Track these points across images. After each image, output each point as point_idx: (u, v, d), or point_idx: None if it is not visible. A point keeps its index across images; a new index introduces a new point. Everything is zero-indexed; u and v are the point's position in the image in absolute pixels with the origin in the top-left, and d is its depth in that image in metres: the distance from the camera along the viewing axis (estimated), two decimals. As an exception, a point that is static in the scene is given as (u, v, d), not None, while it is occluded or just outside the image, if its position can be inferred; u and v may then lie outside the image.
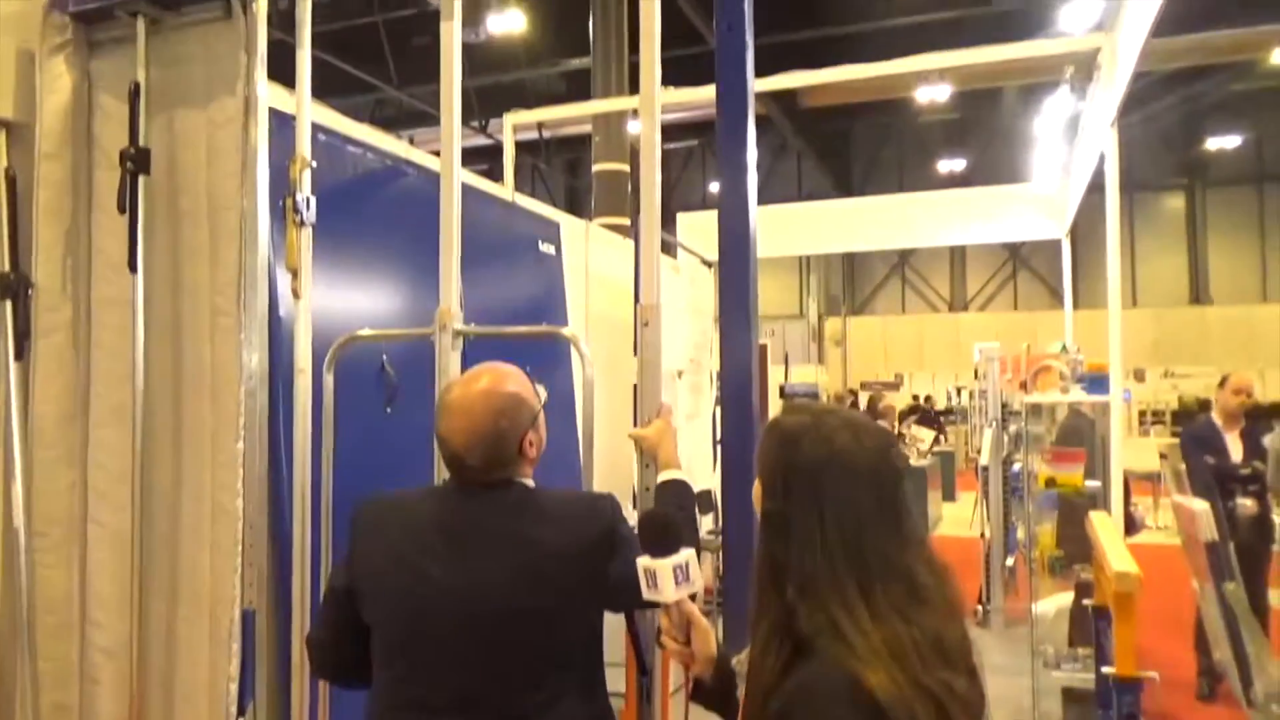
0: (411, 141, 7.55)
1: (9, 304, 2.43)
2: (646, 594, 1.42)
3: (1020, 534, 6.08)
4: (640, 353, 2.07)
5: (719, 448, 2.33)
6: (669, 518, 1.51)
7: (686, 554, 1.42)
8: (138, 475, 2.51)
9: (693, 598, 1.44)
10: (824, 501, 1.21)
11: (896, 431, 7.22)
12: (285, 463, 2.70)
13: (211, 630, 2.48)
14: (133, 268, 2.51)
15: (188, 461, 2.57)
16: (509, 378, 1.78)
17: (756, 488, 1.33)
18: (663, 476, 2.01)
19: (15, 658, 2.43)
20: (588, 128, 12.88)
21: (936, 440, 14.32)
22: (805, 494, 1.22)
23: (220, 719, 2.35)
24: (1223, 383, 5.26)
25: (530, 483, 1.77)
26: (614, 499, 1.78)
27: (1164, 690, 4.53)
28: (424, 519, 1.72)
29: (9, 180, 2.46)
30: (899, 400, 21.79)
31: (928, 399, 22.76)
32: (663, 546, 1.41)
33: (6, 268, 2.44)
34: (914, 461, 11.28)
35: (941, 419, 17.90)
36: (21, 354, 2.45)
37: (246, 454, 2.42)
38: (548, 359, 5.33)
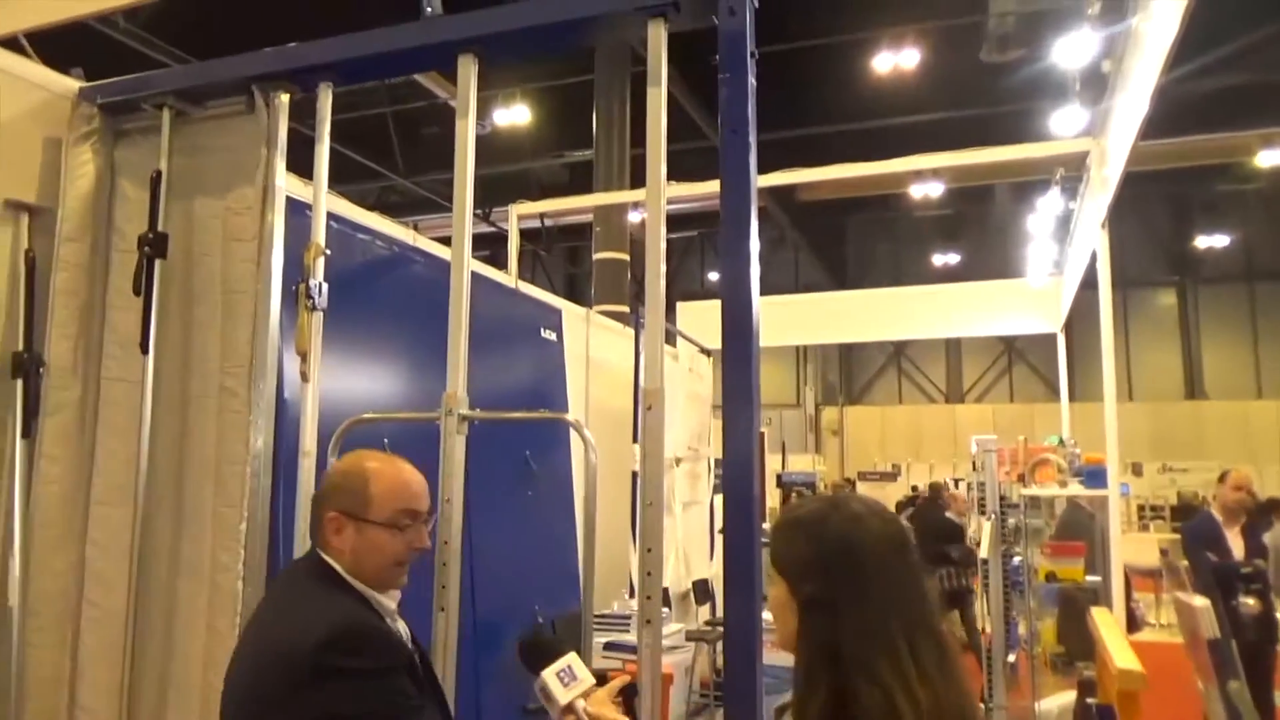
0: (416, 228, 7.71)
1: (20, 383, 2.46)
2: (547, 705, 1.54)
3: (1021, 629, 6.00)
4: (643, 437, 2.08)
5: (721, 534, 2.33)
6: (537, 633, 1.62)
7: (567, 658, 1.57)
8: (135, 555, 2.50)
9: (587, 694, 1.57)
10: (865, 573, 1.25)
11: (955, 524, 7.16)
12: (284, 544, 2.70)
13: (203, 718, 2.44)
14: (144, 348, 2.55)
15: (187, 541, 2.57)
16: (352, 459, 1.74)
17: (779, 586, 1.34)
18: None
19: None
20: (589, 216, 13.16)
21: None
22: (844, 570, 1.26)
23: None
24: (1222, 478, 5.27)
25: (341, 572, 1.62)
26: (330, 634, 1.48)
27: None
28: None
29: (29, 262, 2.52)
30: (896, 491, 21.67)
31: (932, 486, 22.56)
32: (544, 660, 1.56)
33: (20, 347, 2.48)
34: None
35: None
36: (29, 432, 2.47)
37: (249, 535, 2.42)
38: (547, 444, 5.34)
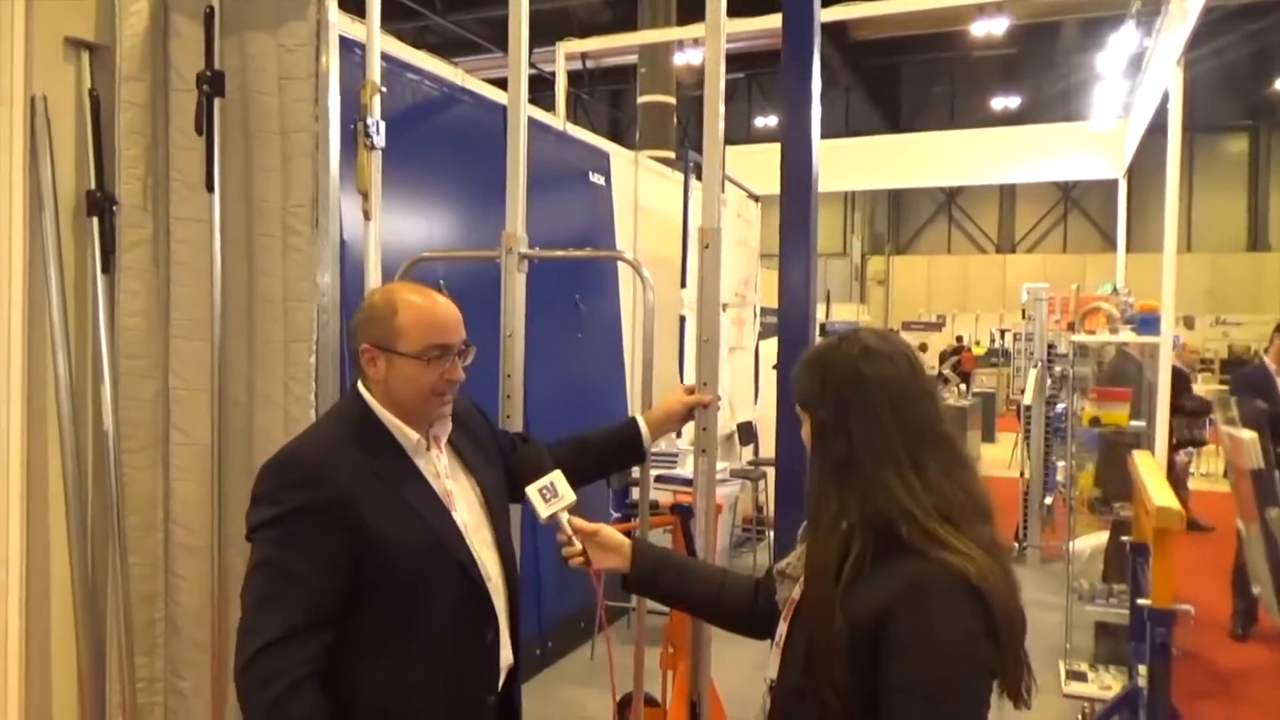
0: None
1: (95, 220, 2.54)
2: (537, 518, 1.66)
3: (1060, 474, 6.12)
4: (700, 275, 2.12)
5: (774, 369, 2.40)
6: (535, 448, 1.71)
7: (550, 476, 1.65)
8: (215, 386, 2.64)
9: (575, 511, 1.67)
10: (871, 395, 1.33)
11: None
12: (350, 377, 2.83)
13: (286, 534, 2.64)
14: (209, 188, 2.60)
15: (260, 374, 2.70)
16: (383, 292, 1.72)
17: (806, 423, 1.43)
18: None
19: (107, 550, 2.60)
20: (632, 58, 12.73)
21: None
22: (852, 393, 1.34)
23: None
24: (1279, 328, 5.21)
25: (369, 399, 1.66)
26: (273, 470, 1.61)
27: (1197, 628, 4.60)
28: None
29: (93, 101, 2.55)
30: (940, 341, 21.62)
31: (978, 341, 22.50)
32: (532, 475, 1.66)
33: (93, 185, 2.55)
34: (953, 401, 11.29)
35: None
36: (108, 268, 2.57)
37: (320, 369, 2.54)
38: (595, 289, 5.42)
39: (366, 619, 1.55)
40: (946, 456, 1.34)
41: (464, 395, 1.79)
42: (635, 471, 5.02)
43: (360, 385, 1.68)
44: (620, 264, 5.56)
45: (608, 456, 2.15)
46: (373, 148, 2.57)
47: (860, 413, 1.33)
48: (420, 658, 1.58)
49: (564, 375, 4.81)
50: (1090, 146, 7.93)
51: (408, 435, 1.65)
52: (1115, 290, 6.20)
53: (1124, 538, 4.16)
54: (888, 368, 1.35)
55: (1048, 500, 6.81)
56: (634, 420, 2.12)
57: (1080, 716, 4.05)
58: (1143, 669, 3.63)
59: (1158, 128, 5.39)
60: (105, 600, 2.60)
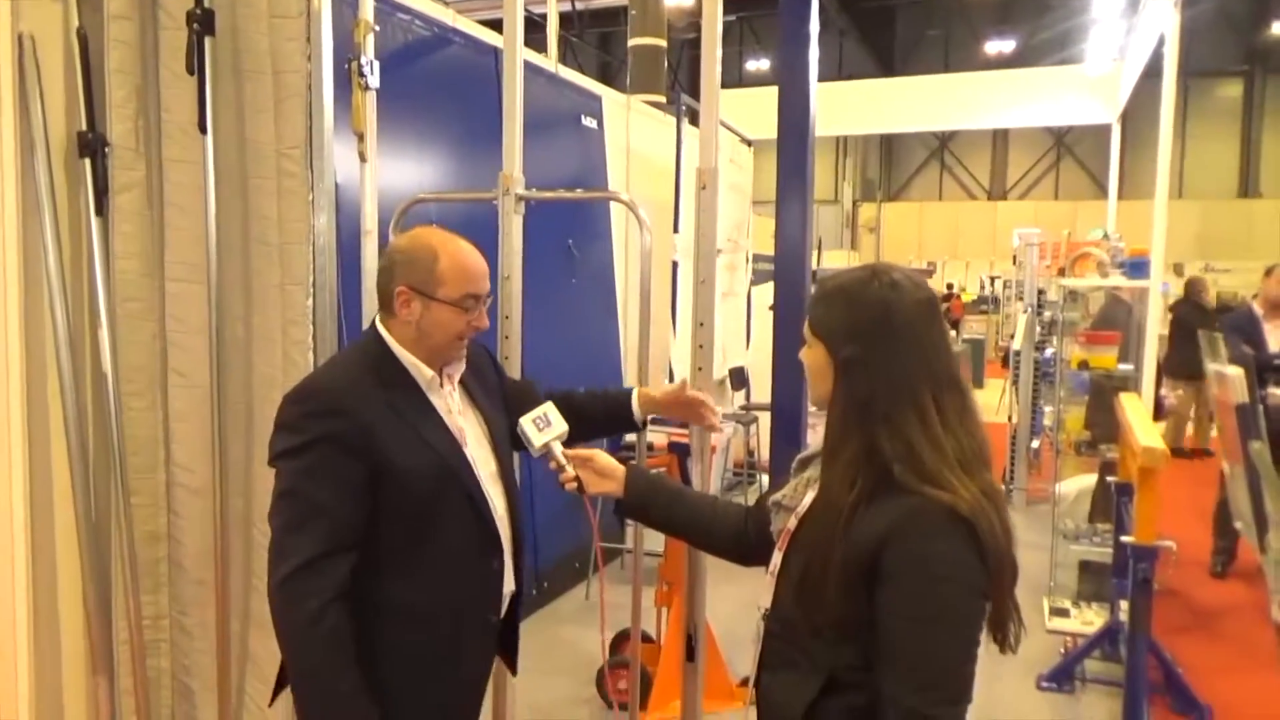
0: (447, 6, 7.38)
1: (88, 162, 2.53)
2: (530, 450, 1.73)
3: (1047, 418, 6.20)
4: (697, 216, 2.13)
5: (771, 309, 2.42)
6: (526, 382, 1.75)
7: (543, 407, 1.73)
8: (213, 329, 2.65)
9: (567, 443, 1.74)
10: (898, 335, 1.34)
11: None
12: (348, 320, 2.84)
13: (287, 474, 2.67)
14: (203, 129, 2.58)
15: (258, 317, 2.71)
16: (420, 235, 1.75)
17: (818, 349, 1.43)
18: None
19: (109, 491, 2.63)
20: (623, 0, 12.52)
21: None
22: (880, 332, 1.35)
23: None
24: (1269, 272, 5.25)
25: (386, 336, 1.71)
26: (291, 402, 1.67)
27: (1178, 567, 4.72)
28: None
29: (81, 40, 2.51)
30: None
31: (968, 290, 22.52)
32: (524, 408, 1.74)
33: (84, 126, 2.52)
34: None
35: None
36: (102, 210, 2.56)
37: (317, 311, 2.54)
38: (588, 234, 5.40)
39: (384, 542, 1.63)
40: (960, 402, 1.36)
41: (477, 341, 1.86)
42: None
43: (379, 322, 1.74)
44: (614, 210, 5.53)
45: (594, 420, 2.10)
46: (367, 88, 2.55)
47: (888, 352, 1.34)
48: (432, 579, 1.67)
49: (557, 321, 4.82)
50: (1085, 91, 7.88)
51: (422, 372, 1.72)
52: (1106, 236, 6.22)
53: (1110, 478, 4.24)
54: (917, 310, 1.36)
55: (1034, 444, 6.91)
56: (628, 390, 2.10)
57: (1062, 650, 4.17)
58: (1125, 604, 3.73)
59: (1153, 72, 5.36)
60: (109, 540, 2.63)
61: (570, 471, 1.71)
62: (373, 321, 1.76)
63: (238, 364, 2.70)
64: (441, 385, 1.75)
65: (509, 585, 1.82)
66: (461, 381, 1.82)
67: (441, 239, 1.72)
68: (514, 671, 2.07)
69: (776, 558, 1.50)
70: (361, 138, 2.59)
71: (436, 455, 1.66)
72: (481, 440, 1.79)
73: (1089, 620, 4.54)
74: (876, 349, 1.34)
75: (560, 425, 1.70)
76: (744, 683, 3.59)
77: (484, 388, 1.87)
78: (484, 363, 1.94)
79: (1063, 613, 4.66)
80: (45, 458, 2.55)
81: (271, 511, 1.61)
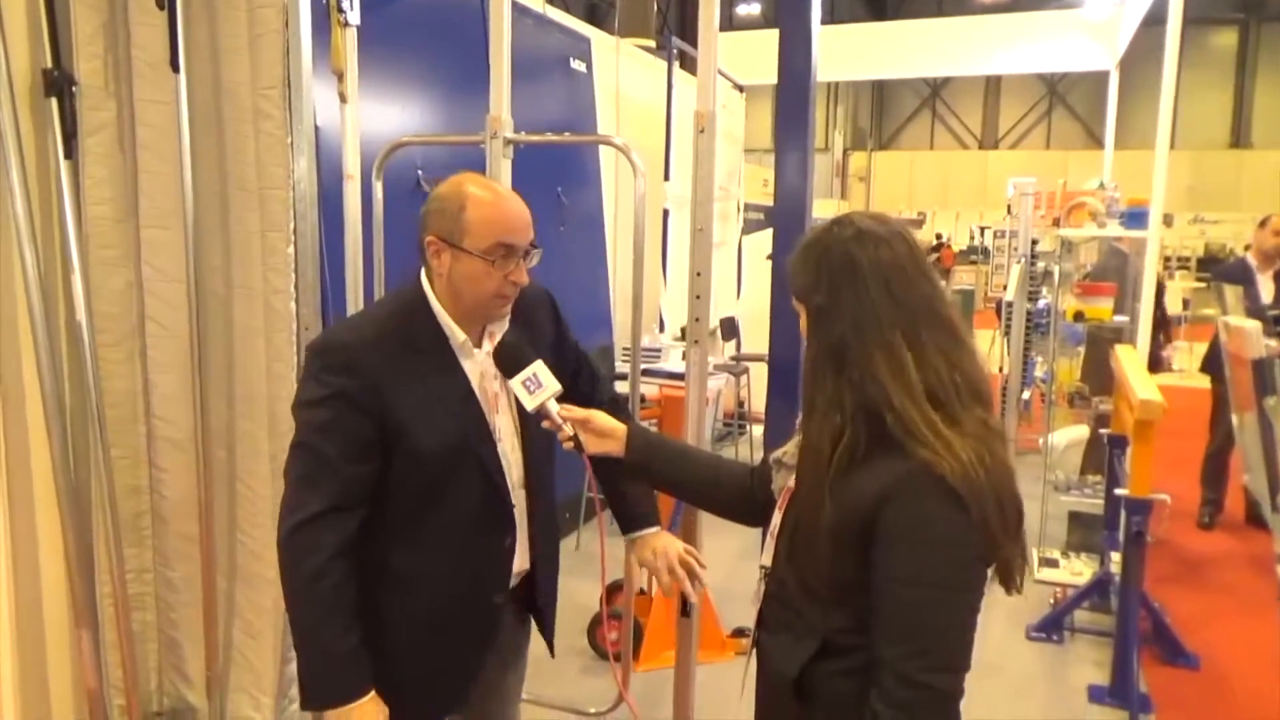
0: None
1: (55, 102, 2.41)
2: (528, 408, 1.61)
3: (1039, 369, 6.17)
4: (695, 160, 2.05)
5: (768, 259, 2.35)
6: (512, 344, 1.62)
7: (533, 367, 1.60)
8: (191, 277, 2.56)
9: (562, 400, 1.63)
10: (863, 277, 1.29)
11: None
12: (330, 268, 2.76)
13: (270, 427, 2.61)
14: (175, 67, 2.47)
15: (237, 264, 2.62)
16: (455, 181, 1.64)
17: (799, 308, 1.39)
18: None
19: (88, 443, 2.56)
20: (613, -61, 12.18)
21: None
22: (844, 277, 1.31)
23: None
24: (1263, 223, 5.20)
25: (427, 291, 1.63)
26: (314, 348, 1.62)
27: (1170, 519, 4.73)
28: None
29: (43, -29, 2.39)
30: (920, 238, 21.54)
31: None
32: (514, 369, 1.60)
33: (49, 64, 2.40)
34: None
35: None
36: (70, 153, 2.45)
37: (299, 258, 2.46)
38: (577, 181, 5.29)
39: (392, 504, 1.58)
40: (943, 337, 1.30)
41: (542, 288, 1.78)
42: (621, 365, 5.02)
43: (423, 275, 1.64)
44: (604, 156, 5.41)
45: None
46: (347, 24, 2.43)
47: (853, 296, 1.30)
48: (435, 551, 1.61)
49: (546, 269, 4.72)
50: (1083, 35, 7.72)
51: (455, 334, 1.62)
52: (1102, 185, 6.14)
53: (1103, 430, 4.22)
54: (883, 250, 1.31)
55: (1025, 395, 6.89)
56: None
57: (1052, 600, 4.18)
58: (1116, 556, 3.74)
59: (1151, 20, 5.24)
60: (89, 493, 2.57)
61: (568, 430, 1.64)
62: (414, 274, 1.66)
63: (218, 313, 2.63)
64: (480, 344, 1.65)
65: (521, 564, 1.73)
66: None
67: (476, 184, 1.60)
68: (552, 653, 1.97)
69: (777, 517, 1.45)
70: (342, 77, 2.49)
71: (452, 420, 1.59)
72: (513, 408, 1.69)
73: (1078, 571, 4.56)
74: (841, 292, 1.31)
75: (552, 385, 1.61)
76: (735, 634, 3.61)
77: (534, 341, 1.70)
78: (541, 315, 1.79)
79: (1052, 563, 4.68)
80: (20, 409, 2.46)
81: (287, 461, 1.57)
